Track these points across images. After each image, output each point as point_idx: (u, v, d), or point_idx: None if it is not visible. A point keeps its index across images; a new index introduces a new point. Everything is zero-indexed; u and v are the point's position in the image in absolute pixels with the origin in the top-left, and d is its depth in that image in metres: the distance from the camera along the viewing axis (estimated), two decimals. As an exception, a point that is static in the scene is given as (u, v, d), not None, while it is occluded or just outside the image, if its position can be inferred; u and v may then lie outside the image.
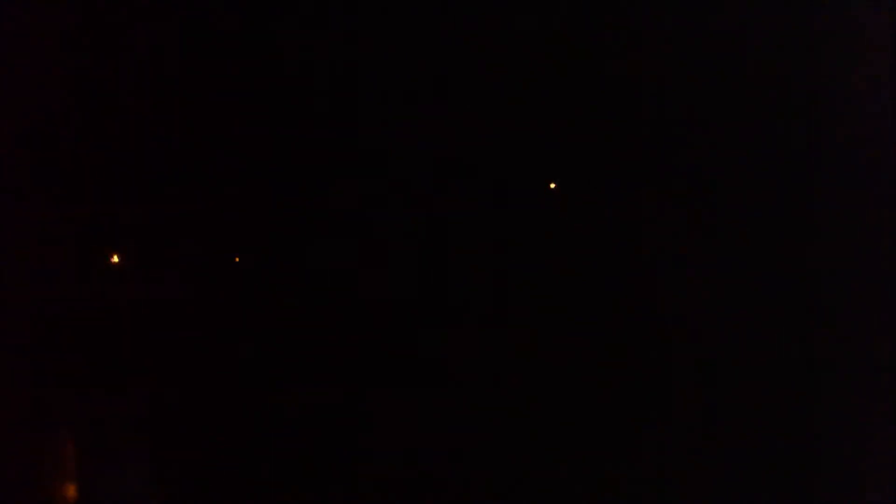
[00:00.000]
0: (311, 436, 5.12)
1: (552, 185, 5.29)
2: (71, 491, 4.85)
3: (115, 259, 5.06)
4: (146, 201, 5.15)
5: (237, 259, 5.20)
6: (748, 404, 5.14)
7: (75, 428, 5.13)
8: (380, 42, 5.23)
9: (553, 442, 5.13)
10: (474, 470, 5.07)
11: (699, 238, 5.27)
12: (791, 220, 5.22)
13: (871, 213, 5.04)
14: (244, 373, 5.18)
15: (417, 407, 5.17)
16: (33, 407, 5.06)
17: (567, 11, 5.30)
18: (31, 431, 5.03)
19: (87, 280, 5.12)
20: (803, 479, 5.01)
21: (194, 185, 5.20)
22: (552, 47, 5.31)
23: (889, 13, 5.00)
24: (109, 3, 5.16)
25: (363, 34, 5.23)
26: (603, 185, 5.33)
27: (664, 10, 5.29)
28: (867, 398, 5.00)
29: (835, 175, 5.14)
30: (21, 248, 5.10)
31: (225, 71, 5.14)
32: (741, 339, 5.19)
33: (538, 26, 5.29)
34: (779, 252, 5.22)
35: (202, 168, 5.25)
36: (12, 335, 5.08)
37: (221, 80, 5.16)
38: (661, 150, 5.32)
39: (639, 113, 5.34)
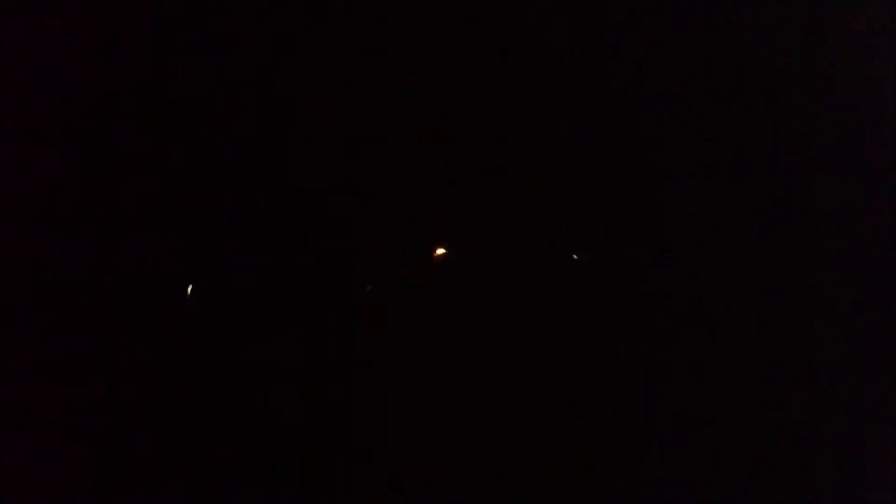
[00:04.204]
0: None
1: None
2: None
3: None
4: None
5: None
6: (747, 404, 5.14)
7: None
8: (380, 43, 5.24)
9: (552, 443, 5.14)
10: (472, 470, 5.08)
11: (697, 237, 5.27)
12: (790, 220, 5.23)
13: (871, 213, 5.05)
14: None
15: (415, 407, 5.18)
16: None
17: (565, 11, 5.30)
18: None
19: None
20: (803, 479, 5.02)
21: None
22: (550, 47, 5.31)
23: (889, 13, 5.01)
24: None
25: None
26: (600, 184, 5.34)
27: (662, 9, 5.30)
28: (867, 398, 5.01)
29: (835, 175, 5.14)
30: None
31: None
32: (740, 339, 5.20)
33: (535, 27, 5.29)
34: (778, 252, 5.22)
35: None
36: None
37: None
38: (659, 149, 5.32)
39: (632, 112, 5.34)
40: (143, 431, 5.06)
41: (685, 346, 5.20)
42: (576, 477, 5.06)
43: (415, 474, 5.02)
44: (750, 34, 5.23)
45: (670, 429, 5.16)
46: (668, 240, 5.26)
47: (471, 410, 5.09)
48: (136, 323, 5.12)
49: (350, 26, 5.20)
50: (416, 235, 5.19)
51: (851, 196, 5.09)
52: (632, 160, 5.30)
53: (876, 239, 5.04)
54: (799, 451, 5.06)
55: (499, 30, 5.18)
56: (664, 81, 5.28)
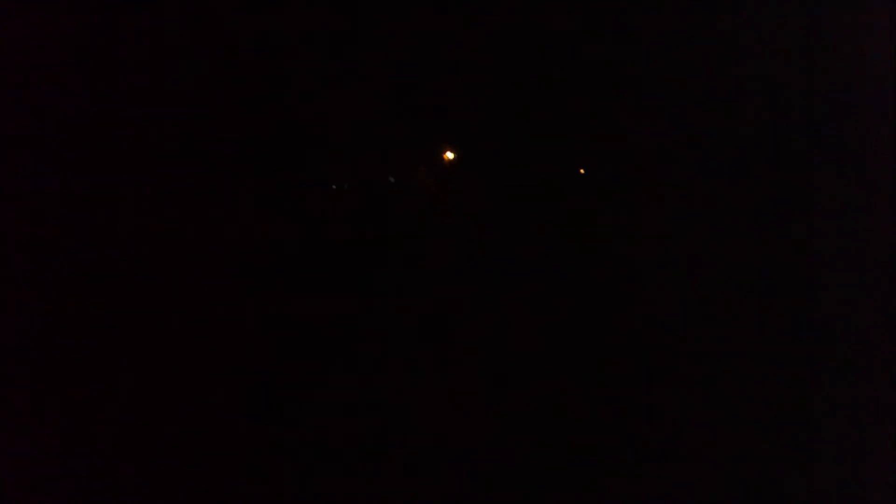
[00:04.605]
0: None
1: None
2: None
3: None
4: None
5: None
6: (747, 404, 5.14)
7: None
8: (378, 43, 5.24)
9: (552, 445, 5.14)
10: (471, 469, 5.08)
11: (697, 238, 5.27)
12: (790, 220, 5.22)
13: (871, 213, 5.05)
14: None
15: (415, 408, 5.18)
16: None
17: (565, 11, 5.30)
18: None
19: None
20: (803, 479, 5.01)
21: None
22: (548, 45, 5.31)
23: (889, 13, 5.01)
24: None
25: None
26: (599, 185, 5.33)
27: (662, 9, 5.29)
28: (867, 398, 5.00)
29: (835, 175, 5.14)
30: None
31: None
32: (741, 339, 5.20)
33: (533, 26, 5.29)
34: (778, 252, 5.22)
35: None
36: None
37: None
38: (659, 149, 5.32)
39: (631, 112, 5.34)
40: (143, 431, 5.06)
41: (685, 347, 5.20)
42: (576, 472, 5.07)
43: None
44: (750, 34, 5.23)
45: (670, 428, 5.16)
46: (668, 239, 5.26)
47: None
48: (136, 323, 5.12)
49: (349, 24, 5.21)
50: (424, 139, 5.17)
51: (851, 196, 5.09)
52: (630, 160, 5.29)
53: (876, 239, 5.04)
54: (799, 451, 5.05)
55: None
56: (664, 82, 5.28)
